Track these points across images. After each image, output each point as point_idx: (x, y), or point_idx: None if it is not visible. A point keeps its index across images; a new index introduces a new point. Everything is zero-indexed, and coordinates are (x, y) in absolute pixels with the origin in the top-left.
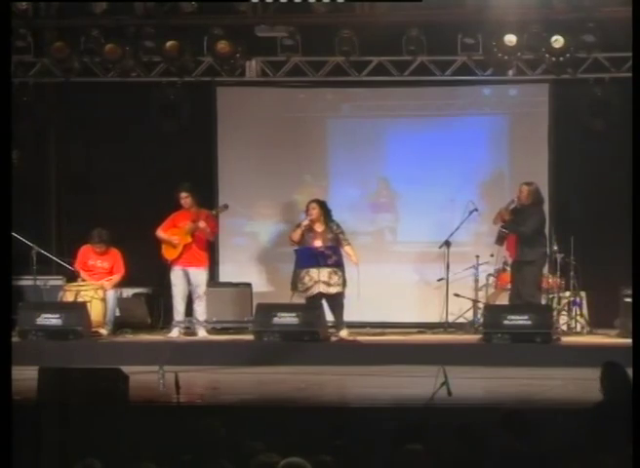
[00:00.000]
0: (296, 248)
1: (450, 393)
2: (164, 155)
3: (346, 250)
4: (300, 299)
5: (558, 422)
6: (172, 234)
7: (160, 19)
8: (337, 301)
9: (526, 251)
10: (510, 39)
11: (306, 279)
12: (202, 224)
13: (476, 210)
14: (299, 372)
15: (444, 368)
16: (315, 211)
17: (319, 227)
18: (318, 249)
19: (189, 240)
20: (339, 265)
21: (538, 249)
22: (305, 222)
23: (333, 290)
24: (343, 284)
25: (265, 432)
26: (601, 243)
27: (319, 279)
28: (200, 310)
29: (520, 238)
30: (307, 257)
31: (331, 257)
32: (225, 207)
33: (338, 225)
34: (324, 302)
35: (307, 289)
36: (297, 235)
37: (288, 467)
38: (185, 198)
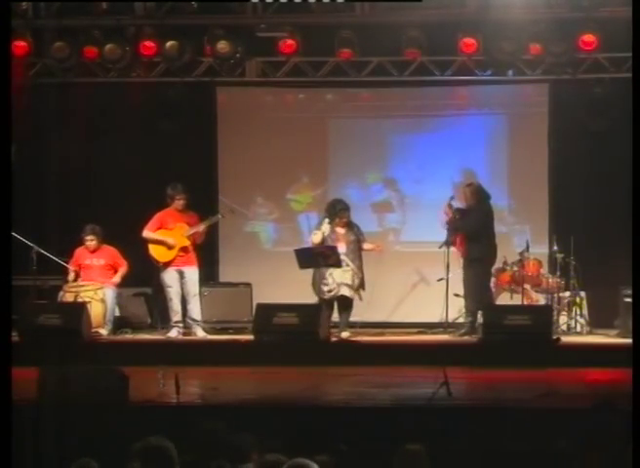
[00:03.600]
0: (295, 248)
1: (450, 393)
2: (164, 155)
3: (366, 246)
4: (299, 299)
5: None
6: (163, 236)
7: (160, 19)
8: (348, 303)
9: (472, 247)
10: (510, 39)
11: (330, 280)
12: (201, 229)
13: None
14: (299, 372)
15: (444, 368)
16: (348, 220)
17: (341, 230)
18: (318, 249)
19: (187, 243)
20: (338, 265)
21: (484, 245)
22: (319, 238)
23: (354, 293)
24: (361, 286)
25: (265, 432)
26: (601, 243)
27: (342, 282)
28: (197, 310)
29: (466, 235)
30: (307, 258)
31: (330, 257)
32: (231, 211)
33: (358, 227)
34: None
35: (331, 290)
36: (317, 238)
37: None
38: (183, 200)
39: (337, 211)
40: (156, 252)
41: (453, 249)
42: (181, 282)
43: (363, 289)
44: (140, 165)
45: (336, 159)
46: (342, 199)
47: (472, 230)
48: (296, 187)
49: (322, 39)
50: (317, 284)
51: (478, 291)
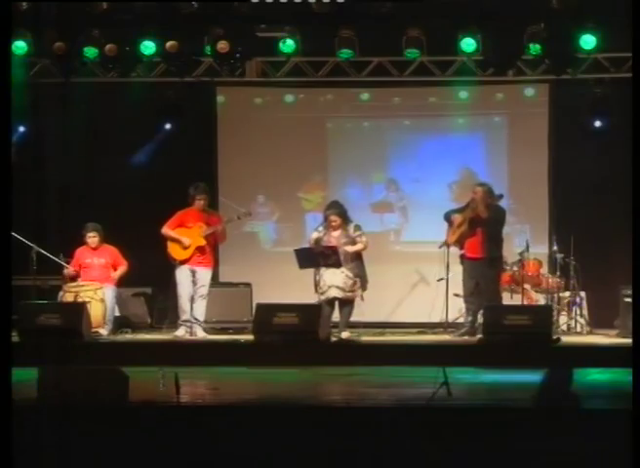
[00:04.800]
0: (295, 248)
1: (450, 393)
2: (164, 155)
3: (350, 249)
4: (299, 299)
5: None
6: (181, 234)
7: (160, 19)
8: (348, 304)
9: (492, 246)
10: (510, 39)
11: (322, 283)
12: (220, 228)
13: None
14: (299, 372)
15: (444, 368)
16: (336, 223)
17: (336, 233)
18: (318, 249)
19: (203, 243)
20: (338, 265)
21: (500, 245)
22: (316, 236)
23: (348, 295)
24: (361, 287)
25: (265, 432)
26: (601, 243)
27: (332, 284)
28: (201, 310)
29: (489, 234)
30: (307, 258)
31: (330, 257)
32: (248, 214)
33: (356, 227)
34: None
35: (323, 292)
36: (314, 237)
37: None
38: (203, 200)
39: (326, 215)
40: (173, 250)
41: (452, 248)
42: (192, 281)
43: (363, 289)
44: (139, 165)
45: (335, 159)
46: (337, 201)
47: (497, 229)
48: (307, 186)
49: (322, 39)
50: (315, 286)
51: (496, 290)
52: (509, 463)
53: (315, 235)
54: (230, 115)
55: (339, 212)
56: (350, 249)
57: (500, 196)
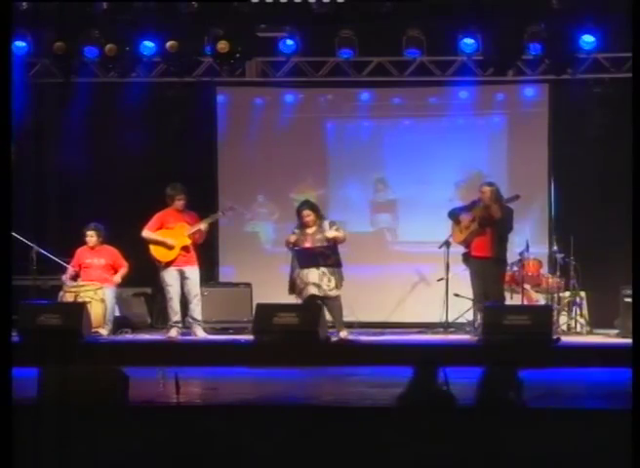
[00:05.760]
0: (295, 248)
1: (450, 393)
2: (164, 155)
3: (328, 234)
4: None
5: None
6: (164, 236)
7: (160, 19)
8: (333, 303)
9: (500, 247)
10: (510, 39)
11: (298, 281)
12: (202, 227)
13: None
14: (299, 372)
15: (444, 368)
16: (310, 218)
17: (310, 230)
18: (317, 249)
19: (188, 242)
20: (338, 265)
21: (506, 246)
22: (294, 238)
23: (326, 292)
24: (337, 285)
25: (265, 432)
26: (601, 243)
27: (309, 281)
28: (198, 310)
29: (498, 235)
30: (306, 258)
31: (330, 257)
32: (231, 209)
33: (331, 223)
34: (323, 304)
35: (300, 291)
36: (292, 238)
37: None
38: (182, 200)
39: (299, 211)
40: (157, 252)
41: (453, 248)
42: (182, 282)
43: (337, 288)
44: (140, 165)
45: (335, 159)
46: (309, 199)
47: (507, 229)
48: (300, 187)
49: (322, 39)
50: (291, 286)
51: (500, 290)
52: (509, 463)
53: (293, 238)
54: (230, 115)
55: (311, 206)
56: (330, 234)
57: (517, 197)
